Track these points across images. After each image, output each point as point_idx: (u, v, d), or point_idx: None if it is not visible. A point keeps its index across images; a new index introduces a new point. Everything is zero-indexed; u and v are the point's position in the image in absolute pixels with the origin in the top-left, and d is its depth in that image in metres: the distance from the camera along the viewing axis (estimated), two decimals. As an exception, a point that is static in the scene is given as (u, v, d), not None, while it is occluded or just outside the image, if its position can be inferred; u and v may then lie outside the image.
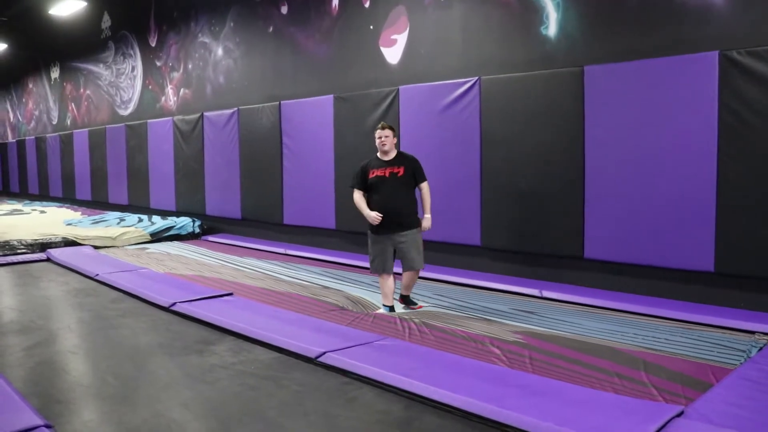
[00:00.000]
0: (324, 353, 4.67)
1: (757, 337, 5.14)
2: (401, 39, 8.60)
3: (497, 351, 4.87)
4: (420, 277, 7.26)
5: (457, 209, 7.72)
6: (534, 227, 7.11)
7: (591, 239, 6.69)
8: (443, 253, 7.99)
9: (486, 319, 5.84)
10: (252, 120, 10.94)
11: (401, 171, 5.87)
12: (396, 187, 5.83)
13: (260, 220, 11.00)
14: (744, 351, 4.79)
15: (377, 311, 6.08)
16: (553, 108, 6.90)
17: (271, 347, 5.07)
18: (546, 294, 6.63)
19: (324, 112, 9.52)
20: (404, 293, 6.26)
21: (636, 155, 6.31)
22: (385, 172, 5.84)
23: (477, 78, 7.57)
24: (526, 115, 7.13)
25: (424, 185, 5.96)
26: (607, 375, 4.34)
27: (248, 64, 11.34)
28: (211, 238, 11.58)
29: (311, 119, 9.78)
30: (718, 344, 4.98)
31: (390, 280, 6.02)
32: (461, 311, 6.11)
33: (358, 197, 5.92)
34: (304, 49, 10.13)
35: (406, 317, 5.88)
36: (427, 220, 5.96)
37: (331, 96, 9.41)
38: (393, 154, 5.92)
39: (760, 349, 4.81)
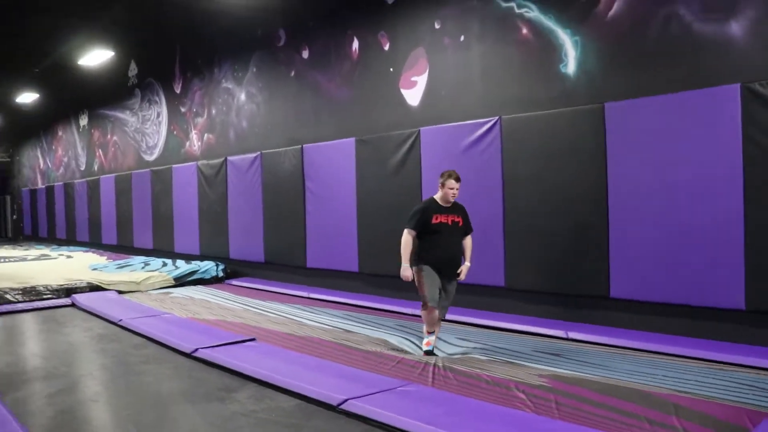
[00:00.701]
0: (346, 400, 4.61)
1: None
2: (421, 81, 8.67)
3: (522, 396, 4.78)
4: (444, 320, 7.18)
5: (481, 250, 7.65)
6: (559, 267, 7.02)
7: (617, 278, 6.60)
8: (468, 294, 7.91)
9: (510, 362, 5.75)
10: (275, 164, 11.02)
11: (461, 221, 6.02)
12: (456, 236, 5.98)
13: (283, 263, 11.00)
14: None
15: (425, 343, 6.05)
16: (574, 146, 6.88)
17: (293, 394, 5.01)
18: (572, 335, 6.53)
19: (346, 154, 9.57)
20: (435, 329, 6.21)
21: (660, 192, 6.24)
22: (448, 220, 5.92)
23: (497, 117, 7.58)
24: (548, 154, 7.11)
25: (470, 236, 6.14)
26: (637, 420, 4.22)
27: (271, 109, 11.47)
28: (234, 282, 11.56)
29: (333, 162, 9.82)
30: (753, 386, 4.83)
31: (436, 312, 6.03)
32: (485, 354, 6.01)
33: (410, 240, 5.88)
34: (325, 92, 10.24)
35: (431, 361, 5.80)
36: (466, 268, 6.05)
37: (353, 139, 9.47)
38: (453, 203, 6.04)
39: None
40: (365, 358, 6.04)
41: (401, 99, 8.95)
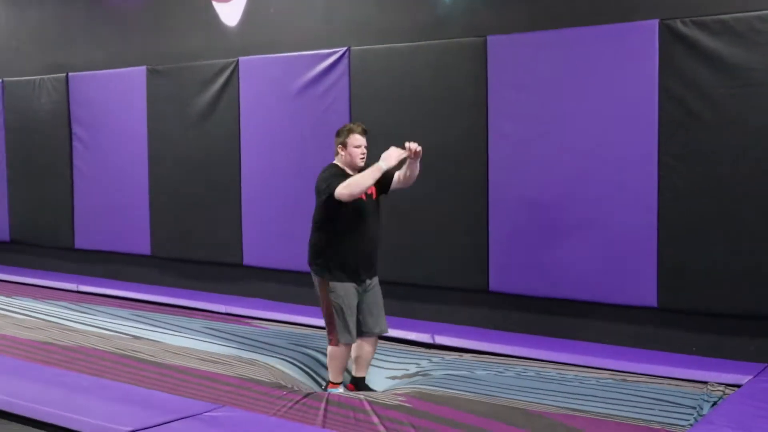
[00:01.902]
0: (133, 433, 4.54)
1: (710, 388, 5.41)
2: (242, -9, 8.55)
3: (374, 419, 4.90)
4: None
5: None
6: (424, 253, 7.19)
7: (497, 266, 6.88)
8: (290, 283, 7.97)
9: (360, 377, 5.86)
10: (24, 98, 10.53)
11: (374, 191, 5.61)
12: (375, 216, 5.65)
13: (39, 243, 10.64)
14: (694, 407, 5.02)
15: (329, 391, 5.62)
16: (446, 90, 7.04)
17: (51, 428, 4.86)
18: (439, 340, 6.74)
19: (133, 90, 9.32)
20: (360, 374, 5.85)
21: (553, 154, 6.54)
22: (363, 194, 5.44)
23: (346, 49, 7.61)
24: (411, 99, 7.23)
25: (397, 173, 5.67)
26: (522, 448, 4.43)
27: (17, 16, 10.90)
28: (-38, 269, 11.06)
29: (114, 100, 9.54)
30: (662, 400, 5.19)
31: (350, 350, 5.72)
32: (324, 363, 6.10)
33: (346, 182, 5.26)
34: None
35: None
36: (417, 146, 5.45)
37: (144, 68, 9.22)
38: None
39: (715, 404, 5.07)
40: (162, 375, 5.96)
41: (213, 15, 8.77)
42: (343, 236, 5.50)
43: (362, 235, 5.53)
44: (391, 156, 5.31)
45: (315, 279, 5.64)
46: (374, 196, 5.62)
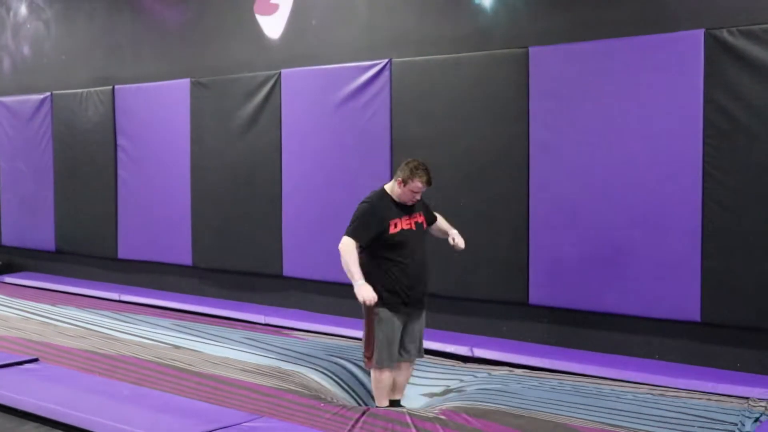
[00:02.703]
0: (171, 442, 4.55)
1: (751, 404, 5.30)
2: (284, 4, 8.56)
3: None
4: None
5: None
6: (462, 264, 7.13)
7: (538, 278, 6.79)
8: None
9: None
10: (72, 110, 10.63)
11: (423, 219, 5.64)
12: (422, 245, 5.58)
13: (84, 253, 10.70)
14: (735, 424, 4.92)
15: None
16: (487, 102, 6.99)
17: (93, 436, 4.91)
18: (478, 353, 6.68)
19: (177, 102, 9.36)
20: (396, 397, 5.78)
21: (595, 166, 6.46)
22: (411, 223, 5.48)
23: (387, 61, 7.59)
24: (452, 111, 7.19)
25: (439, 216, 5.85)
26: (563, 463, 4.36)
27: (67, 31, 11.02)
28: (9, 278, 11.19)
29: (159, 112, 9.60)
30: (701, 416, 5.10)
31: (392, 375, 5.66)
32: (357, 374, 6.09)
33: (353, 250, 5.36)
34: (149, 12, 9.94)
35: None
36: (459, 237, 5.69)
37: (187, 80, 9.27)
38: None
39: (757, 420, 4.96)
40: (202, 384, 5.97)
41: (256, 28, 8.81)
42: (392, 265, 5.43)
43: (413, 265, 5.47)
44: (364, 295, 5.28)
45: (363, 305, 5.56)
46: (424, 226, 5.62)
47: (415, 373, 6.11)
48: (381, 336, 5.45)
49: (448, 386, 6.06)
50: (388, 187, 5.55)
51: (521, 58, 6.80)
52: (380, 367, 5.51)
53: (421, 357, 5.79)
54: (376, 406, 5.61)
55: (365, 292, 5.27)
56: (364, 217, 5.39)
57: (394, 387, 5.75)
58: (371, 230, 5.35)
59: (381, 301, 5.39)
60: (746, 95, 5.82)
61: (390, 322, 5.44)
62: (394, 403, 5.75)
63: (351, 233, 5.38)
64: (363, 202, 5.52)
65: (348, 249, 5.34)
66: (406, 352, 5.61)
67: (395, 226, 5.37)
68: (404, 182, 5.39)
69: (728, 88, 5.89)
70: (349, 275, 5.34)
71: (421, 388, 6.12)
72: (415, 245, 5.48)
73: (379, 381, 5.58)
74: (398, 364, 5.64)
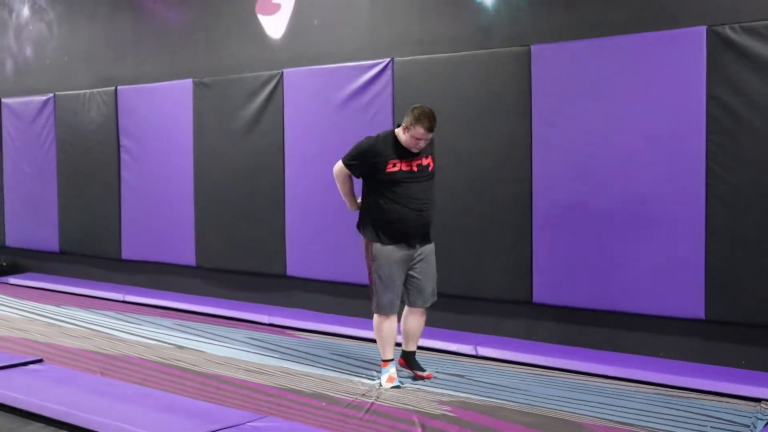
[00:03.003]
0: (175, 442, 4.56)
1: (763, 405, 5.28)
2: (287, 4, 8.55)
3: (419, 430, 4.85)
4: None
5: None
6: (466, 263, 7.13)
7: (541, 277, 6.78)
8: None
9: (401, 385, 5.80)
10: (75, 111, 10.63)
11: (430, 162, 5.70)
12: (424, 190, 5.65)
13: (88, 253, 10.71)
14: (747, 426, 4.89)
15: (387, 378, 5.65)
16: (490, 100, 6.98)
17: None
18: (482, 351, 6.67)
19: (179, 102, 9.36)
20: (410, 348, 5.93)
21: (598, 164, 6.45)
22: (413, 165, 5.58)
23: (389, 60, 7.59)
24: (455, 110, 7.17)
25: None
26: (567, 462, 4.35)
27: (70, 32, 11.02)
28: (13, 279, 11.20)
29: (161, 112, 9.60)
30: (713, 416, 5.07)
31: (396, 322, 5.73)
32: (365, 374, 6.08)
33: (342, 175, 5.66)
34: (151, 12, 9.94)
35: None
36: None
37: (190, 81, 9.27)
38: None
39: None
40: (205, 384, 5.97)
41: (258, 28, 8.81)
42: (387, 201, 5.52)
43: (409, 200, 5.54)
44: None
45: (363, 240, 5.66)
46: (430, 167, 5.66)
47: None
48: (375, 276, 5.53)
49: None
50: (398, 129, 5.64)
51: (523, 56, 6.79)
52: (378, 312, 5.53)
53: (428, 304, 5.80)
54: (387, 359, 5.63)
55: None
56: (361, 148, 5.58)
57: (406, 338, 5.80)
58: (365, 163, 5.50)
59: (377, 238, 5.52)
60: (749, 92, 5.80)
61: (385, 260, 5.50)
62: (408, 356, 5.78)
63: (344, 159, 5.63)
64: (367, 137, 5.67)
65: (338, 174, 5.64)
66: (409, 298, 5.66)
67: (393, 165, 5.52)
68: (407, 128, 5.50)
69: (731, 85, 5.87)
70: (346, 198, 5.72)
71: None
72: (414, 188, 5.56)
73: (379, 329, 5.61)
74: (406, 313, 5.65)
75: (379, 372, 5.88)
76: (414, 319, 5.79)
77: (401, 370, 5.95)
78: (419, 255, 5.67)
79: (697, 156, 6.01)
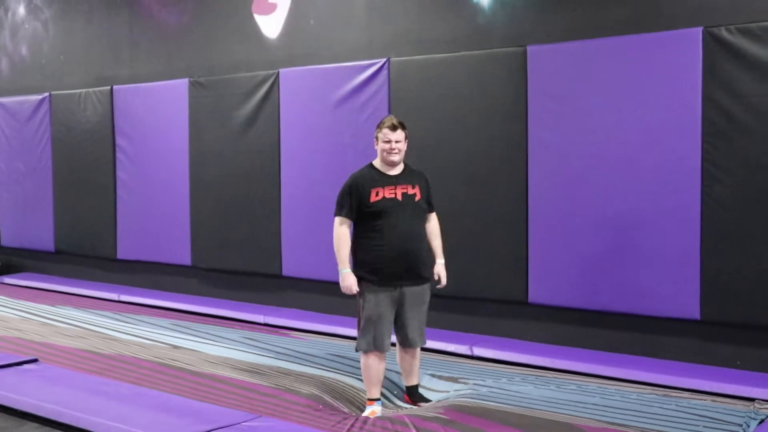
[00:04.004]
0: (170, 442, 4.55)
1: (757, 405, 5.28)
2: (282, 3, 8.55)
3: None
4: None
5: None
6: (462, 264, 7.13)
7: (537, 278, 6.79)
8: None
9: (397, 387, 5.82)
10: (71, 111, 10.63)
11: (417, 192, 5.41)
12: (414, 216, 5.39)
13: (83, 253, 10.72)
14: (740, 425, 4.90)
15: (369, 412, 5.34)
16: (486, 101, 6.99)
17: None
18: (477, 351, 6.68)
19: (175, 102, 9.37)
20: (411, 383, 5.65)
21: (594, 165, 6.45)
22: (396, 193, 5.33)
23: (385, 60, 7.59)
24: (451, 110, 7.19)
25: (434, 216, 5.64)
26: (563, 462, 4.34)
27: (65, 31, 11.01)
28: (8, 279, 11.20)
29: (157, 112, 9.60)
30: (706, 416, 5.08)
31: (384, 362, 5.43)
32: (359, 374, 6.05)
33: (344, 233, 5.33)
34: (146, 12, 9.93)
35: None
36: (441, 267, 5.60)
37: (186, 80, 9.27)
38: (401, 167, 5.46)
39: (762, 421, 4.94)
40: (201, 384, 5.99)
41: (254, 28, 8.80)
42: (372, 237, 5.31)
43: (394, 236, 5.27)
44: (345, 285, 5.30)
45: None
46: (417, 197, 5.41)
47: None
48: (362, 315, 5.34)
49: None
50: (375, 161, 5.50)
51: (520, 56, 6.79)
52: (362, 350, 5.36)
53: (416, 346, 5.53)
54: (370, 398, 5.42)
55: (346, 281, 5.29)
56: (344, 190, 5.37)
57: (404, 373, 5.65)
58: (353, 201, 5.29)
59: (364, 278, 5.30)
60: (745, 93, 5.81)
61: (373, 300, 5.28)
62: (411, 390, 5.63)
63: (338, 211, 5.37)
64: (354, 174, 5.48)
65: (339, 231, 5.34)
66: (401, 338, 5.46)
67: (376, 194, 5.28)
68: (377, 139, 5.40)
69: (727, 86, 5.88)
70: (337, 261, 5.35)
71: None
72: (401, 216, 5.29)
73: (365, 368, 5.39)
74: (399, 351, 5.55)
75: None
76: (407, 355, 5.59)
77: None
78: (410, 294, 5.38)
79: (692, 157, 6.02)
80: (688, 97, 6.03)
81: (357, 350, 5.42)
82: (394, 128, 5.33)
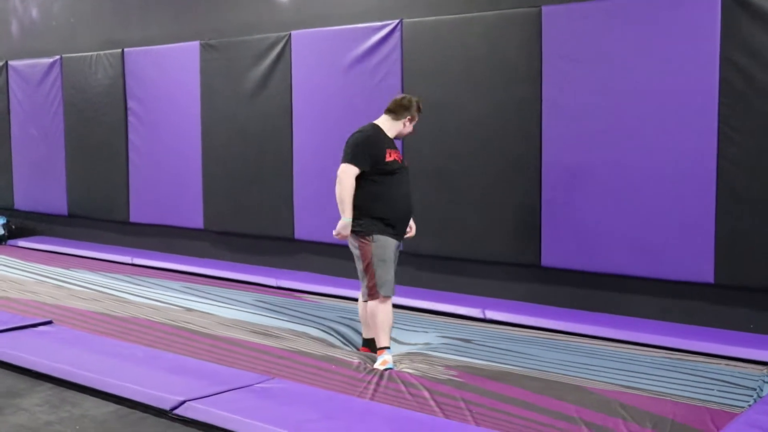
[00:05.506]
0: (183, 402, 4.59)
1: (769, 369, 5.31)
2: (294, -36, 8.51)
3: (425, 394, 4.86)
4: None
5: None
6: (474, 227, 7.13)
7: (549, 241, 6.79)
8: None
9: (410, 352, 5.86)
10: (82, 74, 10.63)
11: (402, 158, 5.82)
12: (407, 181, 5.72)
13: (96, 217, 10.77)
14: (754, 389, 4.92)
15: (381, 362, 5.42)
16: (499, 62, 6.95)
17: (107, 396, 4.94)
18: (490, 315, 6.70)
19: (187, 65, 9.35)
20: (372, 335, 5.76)
21: (608, 127, 6.43)
22: (397, 157, 5.61)
23: (398, 21, 7.55)
24: (464, 72, 7.15)
25: None
26: (574, 424, 4.36)
27: (77, -4, 11.00)
28: (22, 242, 11.28)
29: (168, 75, 9.60)
30: (719, 380, 5.10)
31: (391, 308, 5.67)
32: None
33: (352, 183, 5.42)
34: (157, -25, 9.90)
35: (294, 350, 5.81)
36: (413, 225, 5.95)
37: (197, 43, 9.24)
38: None
39: (774, 385, 4.96)
40: (214, 346, 6.02)
41: (266, -11, 8.78)
42: (386, 189, 5.51)
43: (401, 194, 5.59)
44: (342, 233, 5.50)
45: (356, 240, 5.52)
46: (406, 163, 5.75)
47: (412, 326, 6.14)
48: (376, 259, 5.46)
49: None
50: (379, 122, 5.65)
51: (534, 17, 6.74)
52: (388, 294, 5.50)
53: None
54: (378, 348, 5.53)
55: (346, 231, 5.47)
56: (362, 143, 5.47)
57: (365, 325, 5.82)
58: (371, 155, 5.43)
59: (375, 229, 5.47)
60: (764, 53, 5.76)
61: (388, 246, 5.50)
62: (370, 342, 5.78)
63: (351, 159, 5.45)
64: (357, 132, 5.59)
65: (348, 176, 5.44)
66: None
67: (389, 155, 5.50)
68: (412, 119, 5.64)
69: (745, 47, 5.83)
70: (340, 207, 5.46)
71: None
72: (402, 178, 5.60)
73: (385, 313, 5.51)
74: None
75: None
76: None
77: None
78: (396, 251, 5.67)
79: (709, 118, 5.98)
80: (706, 57, 5.98)
81: (381, 293, 5.48)
82: (421, 110, 5.68)
